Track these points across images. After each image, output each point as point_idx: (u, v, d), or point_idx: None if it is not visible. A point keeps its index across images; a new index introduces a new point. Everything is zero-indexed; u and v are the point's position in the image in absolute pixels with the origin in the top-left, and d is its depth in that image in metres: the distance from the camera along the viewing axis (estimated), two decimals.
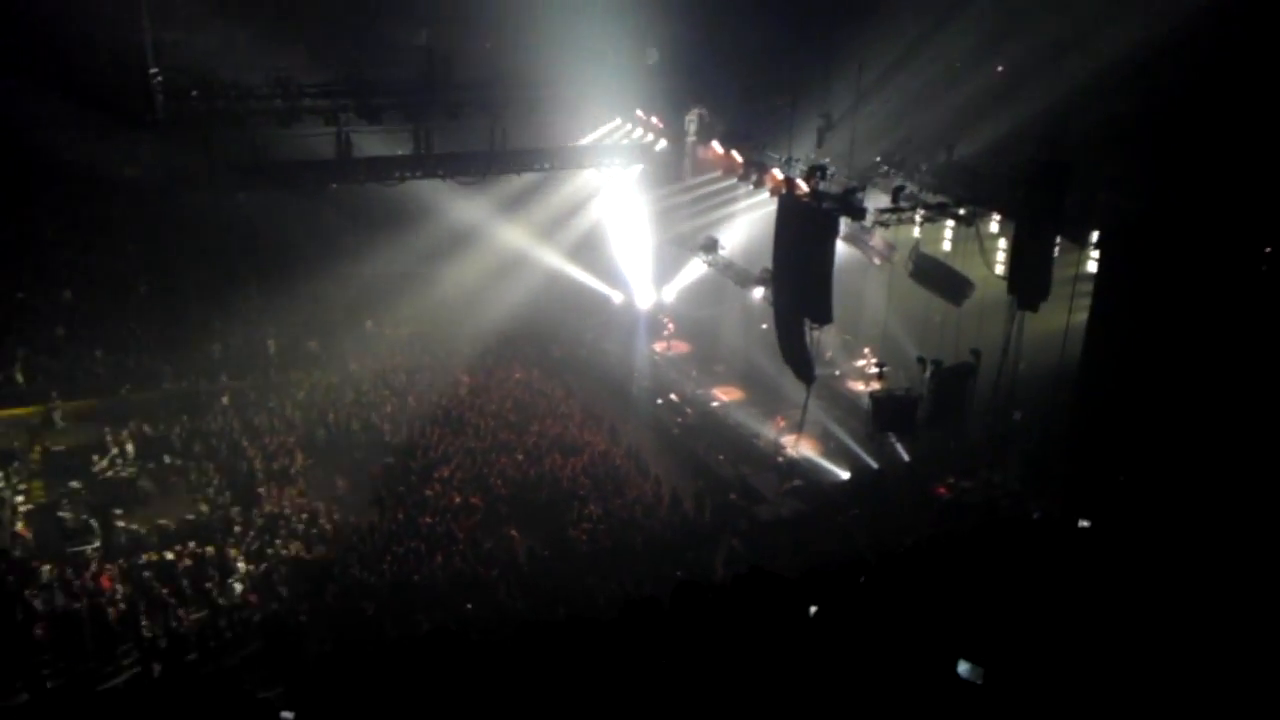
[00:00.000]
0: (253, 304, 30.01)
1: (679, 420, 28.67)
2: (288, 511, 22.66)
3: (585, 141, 31.26)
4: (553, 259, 33.44)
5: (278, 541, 21.56)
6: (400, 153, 28.36)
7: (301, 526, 22.17)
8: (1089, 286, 20.07)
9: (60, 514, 22.15)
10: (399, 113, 26.74)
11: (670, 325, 33.04)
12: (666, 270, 33.17)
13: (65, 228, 30.22)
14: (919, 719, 6.79)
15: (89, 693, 11.39)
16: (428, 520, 22.52)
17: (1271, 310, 16.86)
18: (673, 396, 29.80)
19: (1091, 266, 20.54)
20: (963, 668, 6.94)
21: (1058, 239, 19.83)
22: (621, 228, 33.00)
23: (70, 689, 13.71)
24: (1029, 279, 19.73)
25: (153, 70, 23.74)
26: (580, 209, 33.28)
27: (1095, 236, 20.20)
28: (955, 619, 7.74)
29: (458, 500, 23.33)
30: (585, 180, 32.37)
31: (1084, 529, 12.94)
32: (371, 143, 27.72)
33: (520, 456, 25.41)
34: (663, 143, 29.87)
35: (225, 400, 27.46)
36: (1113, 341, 19.00)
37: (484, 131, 27.88)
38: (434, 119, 27.50)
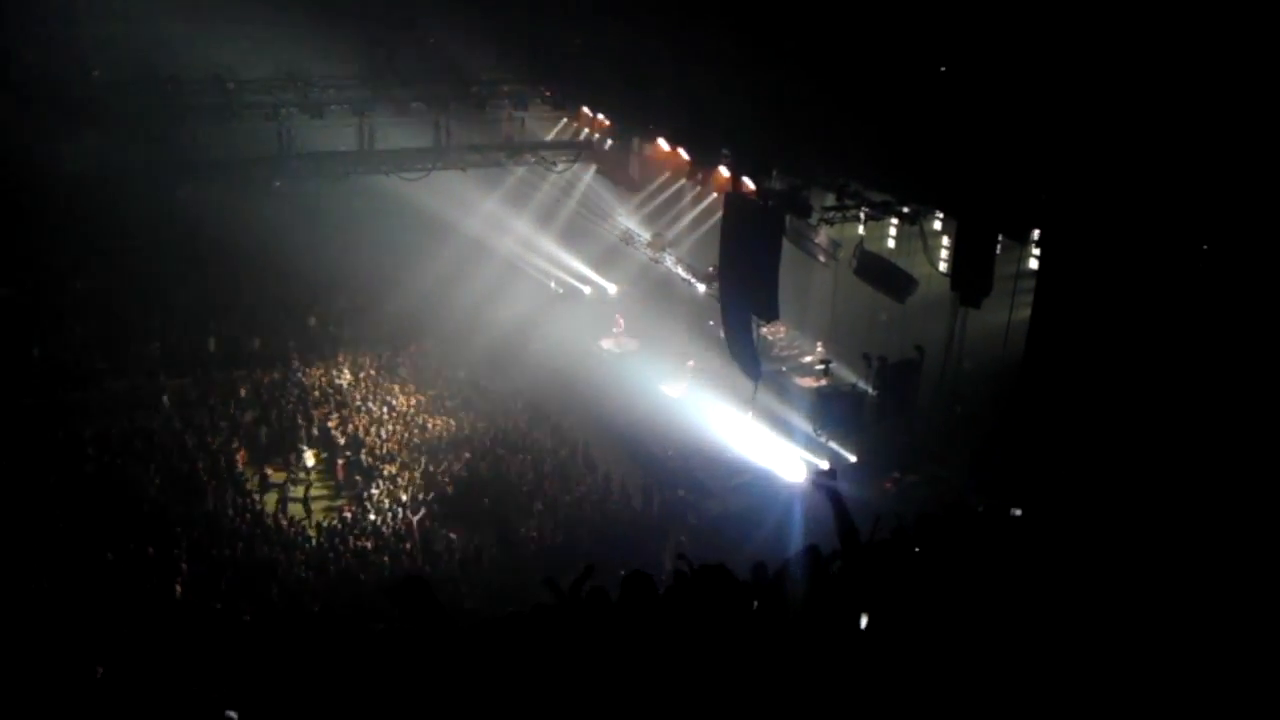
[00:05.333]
0: (193, 301, 29.53)
1: (626, 416, 28.65)
2: (230, 512, 22.36)
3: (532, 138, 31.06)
4: (502, 252, 33.34)
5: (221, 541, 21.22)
6: (344, 149, 28.01)
7: (245, 526, 21.88)
8: (1031, 283, 20.38)
9: None
10: (343, 108, 26.35)
11: (620, 321, 33.03)
12: (615, 266, 33.22)
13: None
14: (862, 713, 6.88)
15: None
16: (374, 519, 22.35)
17: (1209, 307, 17.21)
18: (620, 392, 29.76)
19: (1033, 264, 20.88)
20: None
21: (1000, 236, 20.10)
22: (570, 223, 32.99)
23: None
24: (971, 276, 19.96)
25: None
26: (528, 204, 33.24)
27: (1036, 234, 20.51)
28: (898, 610, 7.85)
29: (404, 499, 23.18)
30: (536, 176, 32.22)
31: (1019, 519, 13.14)
32: (317, 138, 27.26)
33: (467, 455, 25.29)
34: (609, 141, 29.75)
35: (166, 399, 27.02)
36: (1054, 337, 19.27)
37: (427, 127, 27.64)
38: (379, 114, 27.19)
